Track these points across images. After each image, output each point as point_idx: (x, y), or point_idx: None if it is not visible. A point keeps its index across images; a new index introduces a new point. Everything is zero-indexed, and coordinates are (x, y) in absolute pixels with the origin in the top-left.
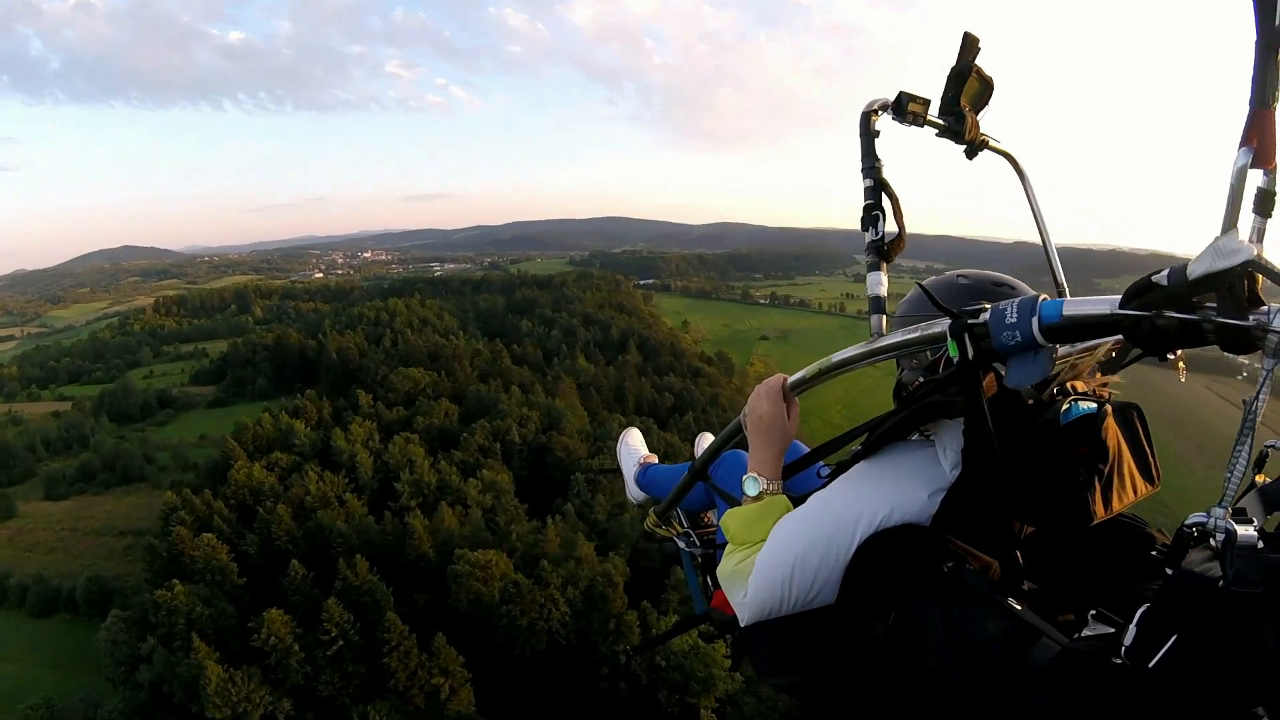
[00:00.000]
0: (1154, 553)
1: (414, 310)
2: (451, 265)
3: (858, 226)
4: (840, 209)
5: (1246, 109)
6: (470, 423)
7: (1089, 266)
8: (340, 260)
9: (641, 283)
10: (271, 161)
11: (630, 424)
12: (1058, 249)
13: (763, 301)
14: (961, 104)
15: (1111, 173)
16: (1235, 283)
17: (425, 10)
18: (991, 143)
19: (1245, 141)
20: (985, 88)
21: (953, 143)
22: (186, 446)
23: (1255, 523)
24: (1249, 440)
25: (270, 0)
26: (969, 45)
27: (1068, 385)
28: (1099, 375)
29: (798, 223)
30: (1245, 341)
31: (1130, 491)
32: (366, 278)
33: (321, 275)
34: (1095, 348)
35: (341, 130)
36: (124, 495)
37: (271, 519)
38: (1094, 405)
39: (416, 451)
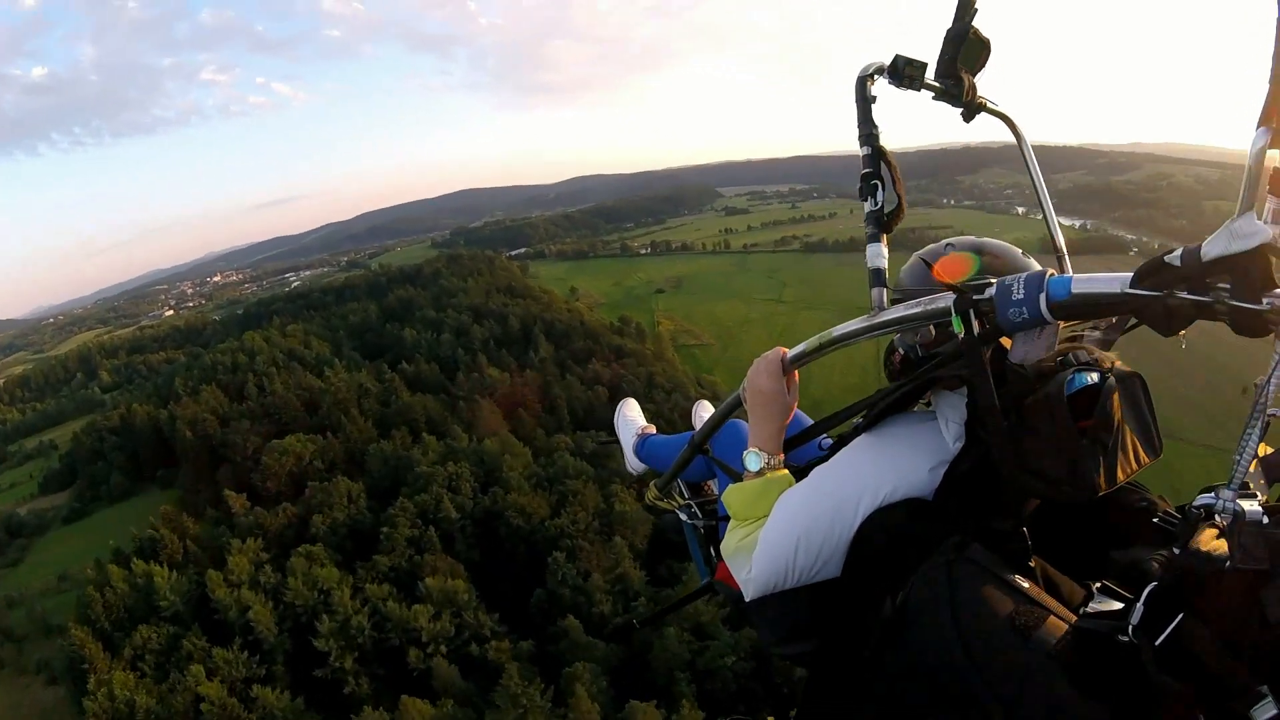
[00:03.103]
0: (1155, 520)
1: (275, 343)
2: (308, 272)
3: (715, 160)
4: (692, 146)
5: (1266, 88)
6: (385, 503)
7: (949, 165)
8: (190, 290)
9: (513, 254)
10: (102, 199)
11: (575, 438)
12: (919, 151)
13: (644, 251)
14: (958, 66)
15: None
16: (1250, 266)
17: (232, 7)
18: (989, 105)
19: (1264, 121)
20: (982, 49)
21: (950, 105)
22: (43, 598)
23: (1259, 497)
24: (1259, 425)
25: (69, 26)
26: (965, 7)
27: (1070, 355)
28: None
29: (654, 165)
30: (1258, 325)
31: (1133, 462)
32: (220, 304)
33: (172, 312)
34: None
35: (167, 151)
36: None
37: None
38: (1097, 375)
39: (327, 575)
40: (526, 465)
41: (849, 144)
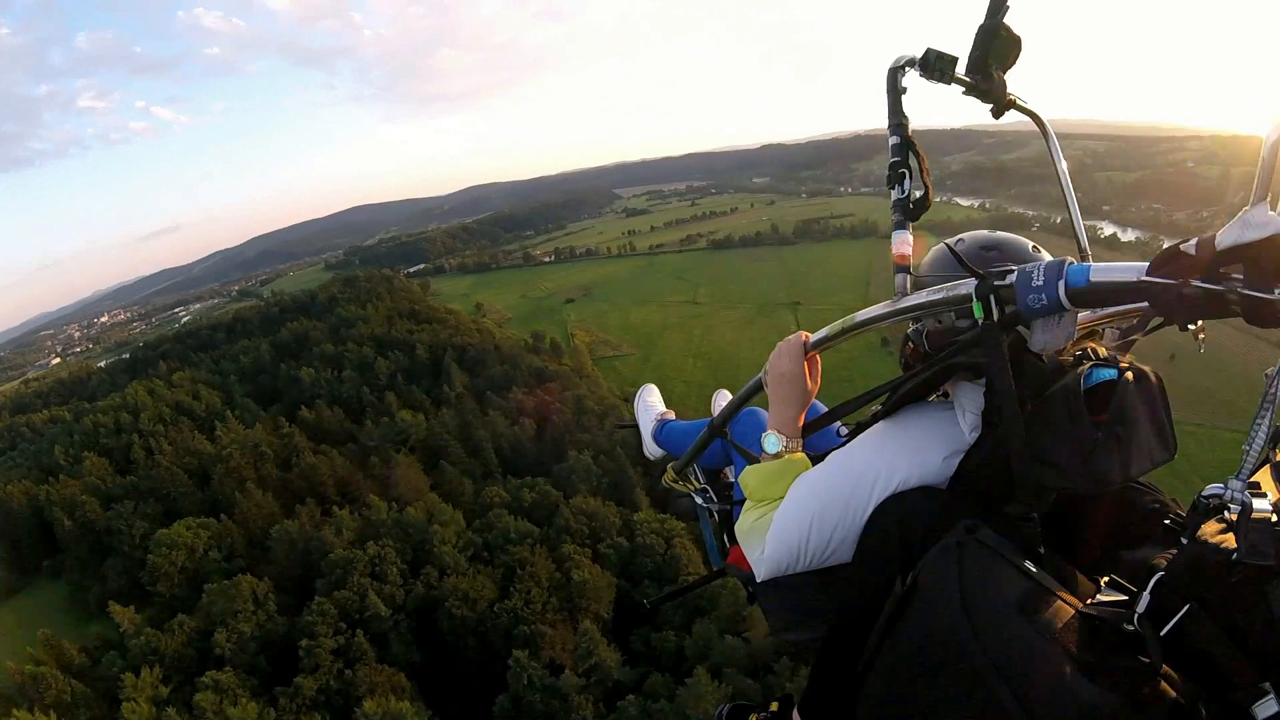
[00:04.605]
0: (1167, 521)
1: (161, 396)
2: (198, 305)
3: (609, 162)
4: (586, 149)
5: None
6: (299, 599)
7: (841, 153)
8: (77, 334)
9: (411, 271)
10: None
11: (510, 487)
12: (810, 142)
13: (547, 260)
14: (989, 62)
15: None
16: (1263, 255)
17: (110, 28)
18: (1019, 101)
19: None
20: (1013, 46)
21: (979, 100)
22: None
23: (1270, 496)
24: (1269, 414)
25: None
26: (998, 3)
27: (1088, 349)
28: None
29: (549, 170)
30: (1270, 315)
31: (1147, 459)
32: (108, 348)
33: (59, 360)
34: (1117, 313)
35: (48, 185)
36: None
37: None
38: (1114, 371)
39: (244, 716)
40: (460, 533)
41: (739, 139)
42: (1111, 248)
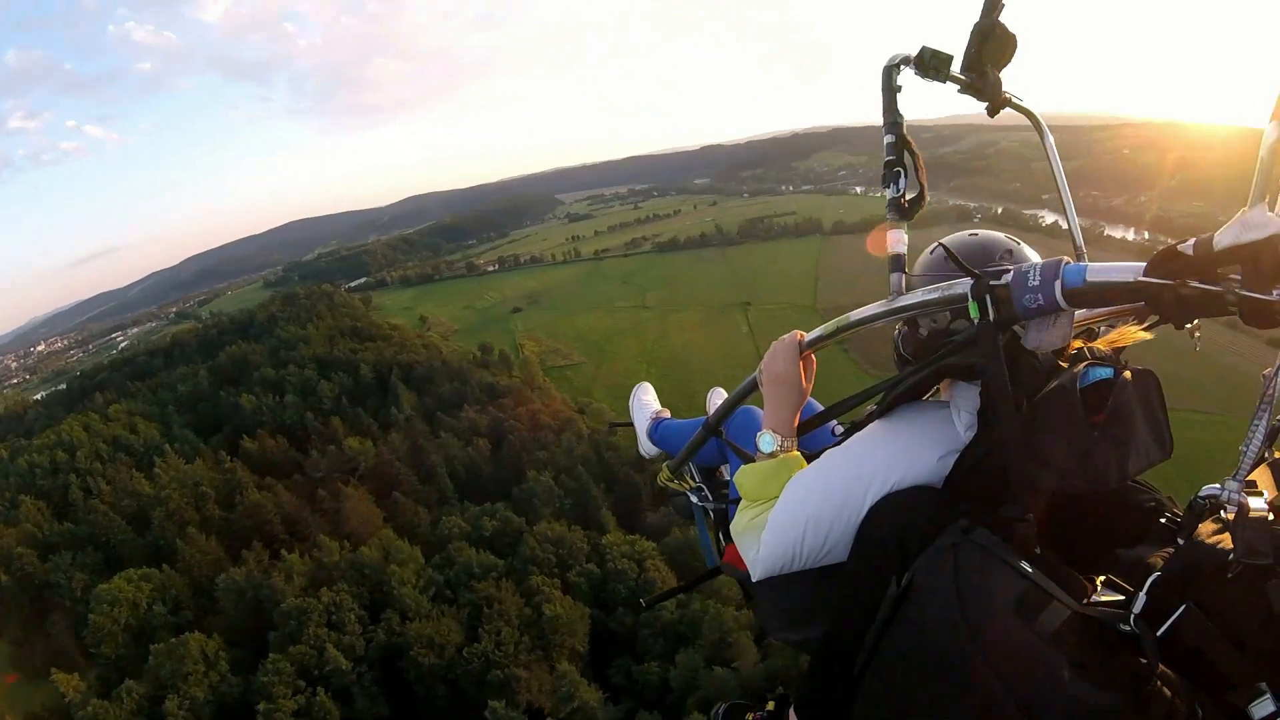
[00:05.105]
0: (1163, 519)
1: (97, 431)
2: (135, 329)
3: (550, 167)
4: (526, 155)
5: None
6: (253, 654)
7: (782, 152)
8: (14, 365)
9: (351, 285)
10: None
11: (468, 514)
12: (749, 142)
13: (491, 269)
14: (983, 60)
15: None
16: (1261, 256)
17: (39, 45)
18: (1014, 100)
19: (1276, 115)
20: (1008, 44)
21: (975, 99)
22: None
23: (1266, 495)
24: (1266, 414)
25: None
26: (993, 2)
27: (1084, 348)
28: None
29: (490, 177)
30: (1268, 316)
31: (1144, 459)
32: (45, 378)
33: None
34: (1114, 313)
35: None
36: None
37: None
38: (1110, 370)
39: None
40: (419, 571)
41: (680, 141)
42: (1052, 235)
